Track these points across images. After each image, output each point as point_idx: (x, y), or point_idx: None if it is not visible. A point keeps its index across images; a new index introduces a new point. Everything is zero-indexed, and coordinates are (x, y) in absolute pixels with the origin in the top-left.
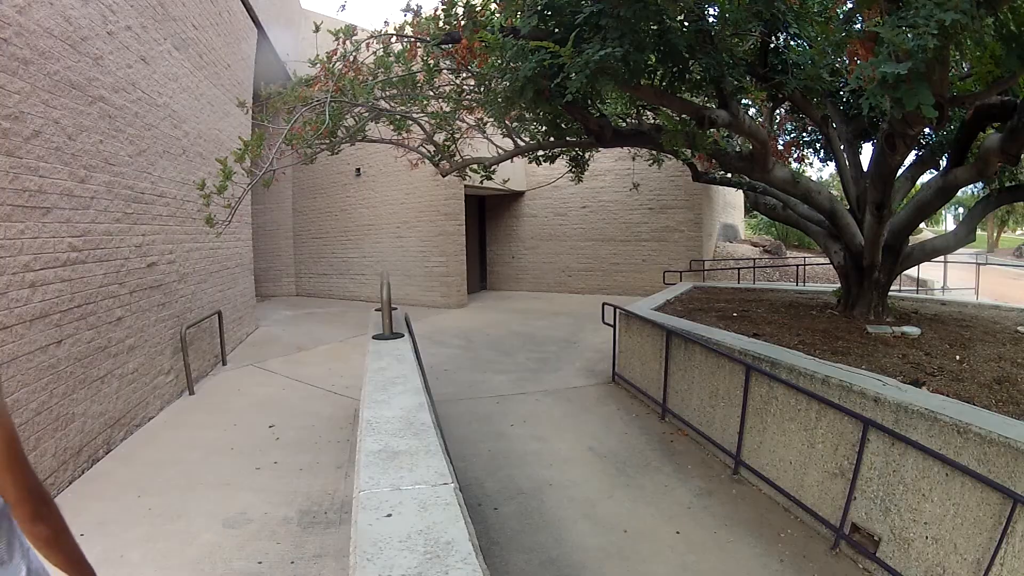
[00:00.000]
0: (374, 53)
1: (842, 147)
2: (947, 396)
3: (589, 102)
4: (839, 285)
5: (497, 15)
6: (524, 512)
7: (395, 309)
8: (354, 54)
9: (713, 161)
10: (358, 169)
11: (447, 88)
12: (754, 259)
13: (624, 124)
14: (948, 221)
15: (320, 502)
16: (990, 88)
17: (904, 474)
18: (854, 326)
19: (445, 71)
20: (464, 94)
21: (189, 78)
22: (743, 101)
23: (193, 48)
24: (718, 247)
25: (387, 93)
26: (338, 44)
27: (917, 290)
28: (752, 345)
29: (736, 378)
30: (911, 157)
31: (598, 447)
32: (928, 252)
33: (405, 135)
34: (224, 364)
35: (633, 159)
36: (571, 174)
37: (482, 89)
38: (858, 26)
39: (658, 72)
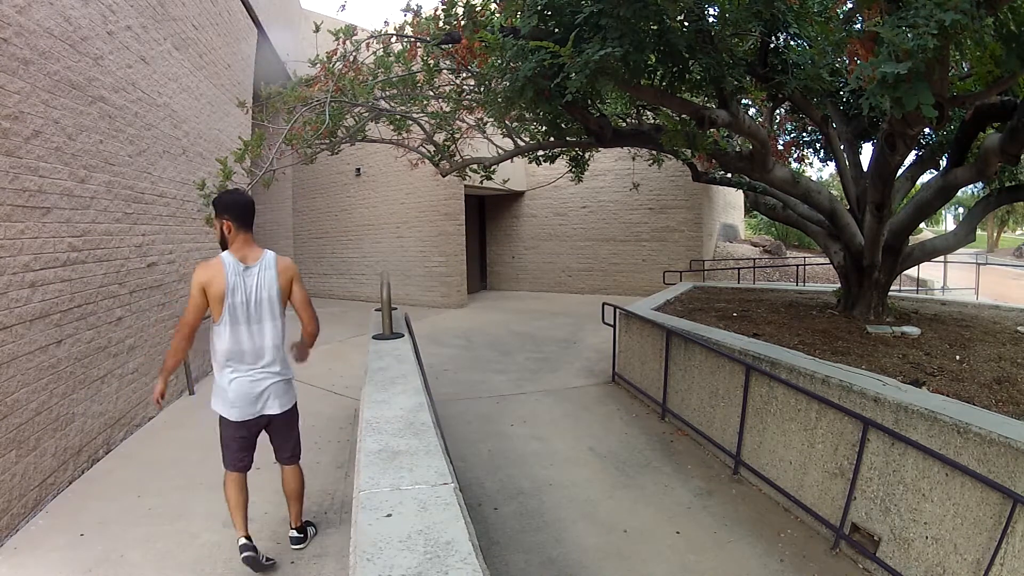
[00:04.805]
0: (374, 53)
1: (842, 147)
2: (947, 396)
3: (589, 102)
4: (839, 285)
5: (497, 15)
6: (524, 512)
7: (395, 309)
8: (354, 54)
9: (713, 161)
10: (358, 169)
11: (447, 88)
12: (754, 259)
13: (624, 124)
14: (948, 221)
15: (320, 502)
16: (990, 88)
17: (904, 474)
18: (854, 326)
19: (445, 71)
20: (464, 94)
21: (189, 78)
22: (743, 101)
23: (193, 48)
24: (718, 247)
25: (387, 93)
26: (338, 44)
27: (917, 290)
28: (752, 345)
29: (736, 378)
30: (911, 157)
31: (598, 447)
32: (928, 252)
33: (405, 135)
34: None
35: (633, 159)
36: (571, 174)
37: (482, 89)
38: (858, 26)
39: (658, 72)
